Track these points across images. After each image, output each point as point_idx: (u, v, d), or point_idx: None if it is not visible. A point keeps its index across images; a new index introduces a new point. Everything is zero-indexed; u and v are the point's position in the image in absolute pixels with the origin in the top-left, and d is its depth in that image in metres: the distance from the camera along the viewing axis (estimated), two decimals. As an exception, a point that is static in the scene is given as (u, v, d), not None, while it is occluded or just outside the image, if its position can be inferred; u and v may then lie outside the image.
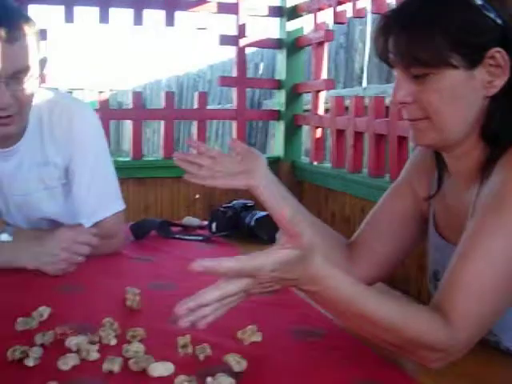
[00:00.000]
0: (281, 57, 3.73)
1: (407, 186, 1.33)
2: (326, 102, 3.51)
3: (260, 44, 3.84)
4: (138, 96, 3.45)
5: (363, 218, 1.40)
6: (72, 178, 1.72)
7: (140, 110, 3.42)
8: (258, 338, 1.15)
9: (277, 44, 3.69)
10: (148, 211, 3.23)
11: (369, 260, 1.33)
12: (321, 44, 3.45)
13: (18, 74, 1.47)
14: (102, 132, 1.78)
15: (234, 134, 3.65)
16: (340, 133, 3.28)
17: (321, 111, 3.51)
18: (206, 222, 2.09)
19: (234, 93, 3.67)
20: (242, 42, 3.55)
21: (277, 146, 3.79)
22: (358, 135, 3.08)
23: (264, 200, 1.26)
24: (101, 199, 1.72)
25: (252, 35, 3.57)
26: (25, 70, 1.48)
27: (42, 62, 1.57)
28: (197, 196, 3.39)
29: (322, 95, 3.50)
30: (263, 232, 1.92)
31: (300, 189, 3.55)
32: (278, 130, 3.79)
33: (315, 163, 3.47)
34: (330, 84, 3.49)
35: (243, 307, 1.17)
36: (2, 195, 1.73)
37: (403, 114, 1.14)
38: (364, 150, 3.08)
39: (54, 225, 1.74)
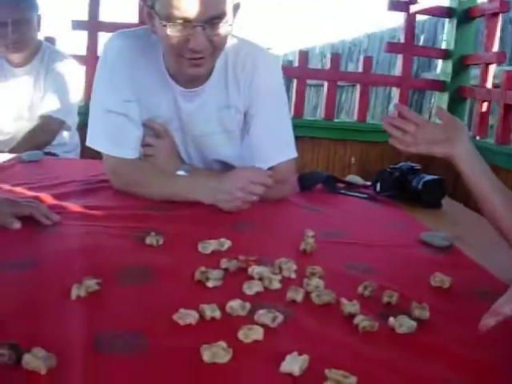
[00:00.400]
0: (450, 26, 3.62)
1: None
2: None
3: (430, 11, 3.73)
4: (304, 55, 3.46)
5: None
6: (250, 123, 1.77)
7: (305, 69, 3.44)
8: (446, 284, 1.16)
9: (448, 12, 3.58)
10: (303, 170, 3.26)
11: None
12: (495, 15, 3.30)
13: (213, 20, 1.51)
14: (283, 82, 1.81)
15: (396, 101, 3.60)
16: (508, 108, 3.15)
17: (489, 85, 3.38)
18: (369, 183, 2.09)
19: (399, 60, 3.61)
20: (413, 8, 3.48)
21: (437, 118, 3.70)
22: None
23: (461, 171, 1.27)
24: (276, 145, 1.76)
25: (422, 2, 3.49)
26: (220, 15, 1.52)
27: (236, 8, 1.61)
28: (353, 160, 3.39)
29: (492, 68, 3.36)
30: (430, 196, 1.90)
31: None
32: (441, 101, 3.69)
33: (478, 138, 3.36)
34: (501, 57, 3.34)
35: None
36: (182, 134, 1.80)
37: None
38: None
39: (227, 168, 1.81)
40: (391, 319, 0.96)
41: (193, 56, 1.55)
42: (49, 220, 1.36)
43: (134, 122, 1.72)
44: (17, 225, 1.31)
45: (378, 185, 1.99)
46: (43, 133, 2.70)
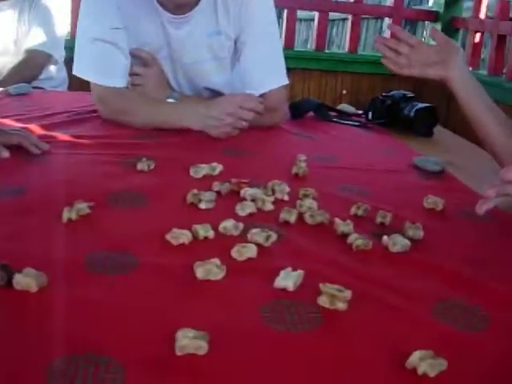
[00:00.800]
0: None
1: None
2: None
3: None
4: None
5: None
6: (241, 49, 1.73)
7: (294, -2, 3.38)
8: (439, 206, 1.16)
9: None
10: (294, 101, 3.24)
11: None
12: None
13: None
14: (273, 6, 1.76)
15: (388, 33, 3.54)
16: (501, 38, 3.11)
17: (482, 15, 3.33)
18: (361, 111, 2.06)
19: (391, -11, 3.55)
20: None
21: (430, 49, 3.66)
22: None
23: (456, 94, 1.25)
24: (268, 71, 1.72)
25: None
26: None
27: None
28: (344, 92, 3.35)
29: (486, -2, 3.32)
30: (421, 124, 1.87)
31: (450, 94, 3.43)
32: (434, 32, 3.64)
33: (470, 69, 3.33)
34: (496, -14, 3.29)
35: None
36: (171, 62, 1.77)
37: None
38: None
39: (217, 96, 1.77)
40: (385, 238, 0.96)
41: None
42: (38, 149, 1.33)
43: (121, 50, 1.68)
44: (5, 153, 1.28)
45: (370, 113, 1.96)
46: (29, 67, 2.65)
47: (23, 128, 1.50)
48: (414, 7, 5.23)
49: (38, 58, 2.66)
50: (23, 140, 1.33)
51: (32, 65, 2.65)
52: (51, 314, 0.70)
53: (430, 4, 4.05)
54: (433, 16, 3.60)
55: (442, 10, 3.55)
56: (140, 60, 1.72)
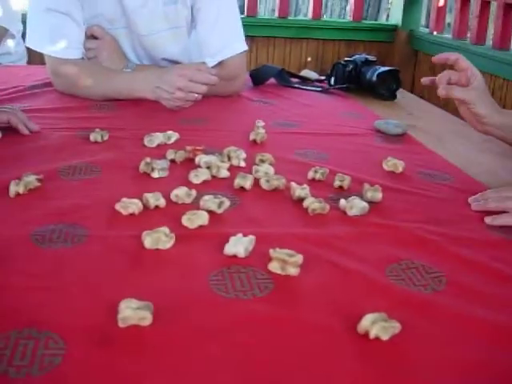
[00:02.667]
0: None
1: None
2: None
3: None
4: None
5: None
6: (197, 16, 1.69)
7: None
8: (399, 168, 1.15)
9: None
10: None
11: None
12: None
13: None
14: None
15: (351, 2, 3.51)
16: (465, 2, 3.10)
17: (446, -23, 3.31)
18: (323, 77, 2.04)
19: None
20: None
21: (394, 14, 3.63)
22: (485, 4, 2.90)
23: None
24: (226, 38, 1.68)
25: None
26: None
27: None
28: (309, 59, 3.32)
29: (449, -41, 3.29)
30: (384, 87, 1.85)
31: (416, 59, 3.41)
32: (398, -4, 3.61)
33: (435, 33, 3.31)
34: None
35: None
36: (129, 33, 1.72)
37: None
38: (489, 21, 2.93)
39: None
40: (342, 201, 0.94)
41: None
42: (28, 129, 1.28)
43: (75, 21, 1.62)
44: None
45: (333, 78, 1.94)
46: None
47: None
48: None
49: None
50: (13, 118, 1.27)
51: None
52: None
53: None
54: (396, -20, 3.57)
55: (405, -27, 3.52)
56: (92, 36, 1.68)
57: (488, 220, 0.94)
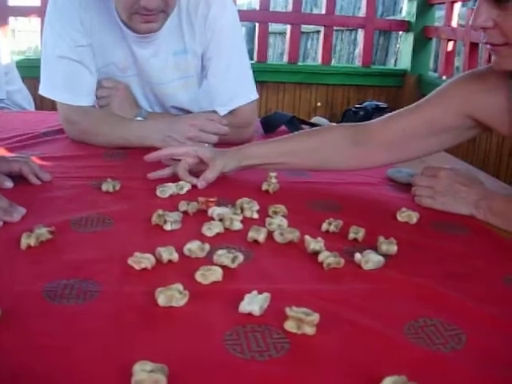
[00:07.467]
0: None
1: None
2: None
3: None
4: (265, -1, 3.38)
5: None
6: (208, 66, 1.70)
7: (266, 12, 3.36)
8: (413, 219, 1.14)
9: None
10: (268, 116, 3.22)
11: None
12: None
13: None
14: (238, 21, 1.73)
15: (361, 43, 3.54)
16: (474, 46, 3.11)
17: (454, 23, 3.34)
18: (334, 123, 2.04)
19: (363, 1, 3.54)
20: None
21: (404, 59, 3.66)
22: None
23: None
24: (236, 87, 1.69)
25: None
26: None
27: None
28: (318, 104, 3.33)
29: (457, 6, 3.32)
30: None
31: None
32: (406, 41, 3.64)
33: (444, 77, 3.33)
34: (467, -6, 3.30)
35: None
36: (140, 81, 1.74)
37: (482, 38, 1.09)
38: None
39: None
40: (357, 255, 0.92)
41: (145, 13, 1.50)
42: (39, 179, 1.27)
43: (87, 68, 1.64)
44: (8, 183, 1.21)
45: (344, 125, 1.94)
46: None
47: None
48: (386, 18, 5.24)
49: None
50: (24, 167, 1.26)
51: None
52: (1, 349, 0.65)
53: (403, 14, 4.05)
54: (405, 26, 3.60)
55: (414, 20, 3.55)
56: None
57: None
